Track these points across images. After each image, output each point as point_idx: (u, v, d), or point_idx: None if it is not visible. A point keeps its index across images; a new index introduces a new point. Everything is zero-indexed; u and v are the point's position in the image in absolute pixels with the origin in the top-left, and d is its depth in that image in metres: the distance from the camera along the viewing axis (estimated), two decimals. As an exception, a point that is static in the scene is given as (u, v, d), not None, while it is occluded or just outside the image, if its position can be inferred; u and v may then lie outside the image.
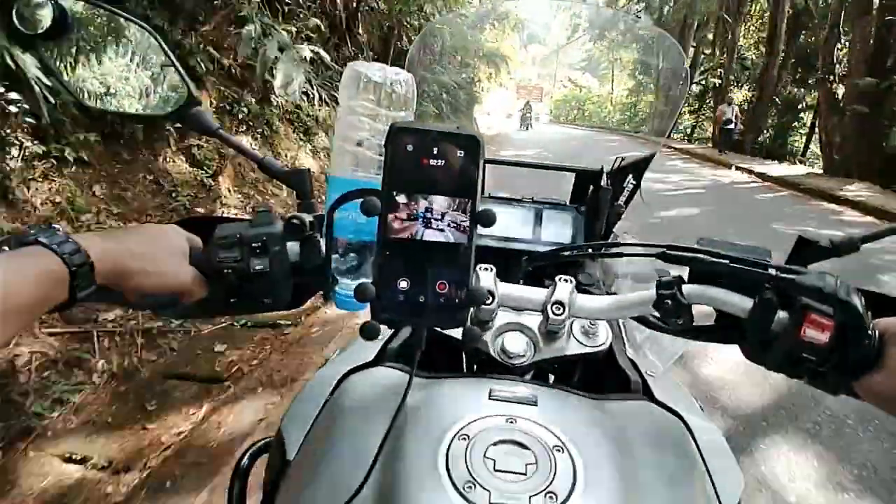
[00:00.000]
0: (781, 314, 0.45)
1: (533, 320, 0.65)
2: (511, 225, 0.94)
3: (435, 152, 0.39)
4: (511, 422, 0.46)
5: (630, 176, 0.90)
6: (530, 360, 0.61)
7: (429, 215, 0.40)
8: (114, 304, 0.52)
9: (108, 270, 0.42)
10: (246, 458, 0.67)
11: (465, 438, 0.44)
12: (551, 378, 0.82)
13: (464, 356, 0.76)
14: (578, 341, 0.64)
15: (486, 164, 1.00)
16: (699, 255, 0.50)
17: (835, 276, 0.44)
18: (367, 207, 0.39)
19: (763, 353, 0.47)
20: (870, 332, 0.42)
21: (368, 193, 0.40)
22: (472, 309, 0.62)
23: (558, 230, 0.94)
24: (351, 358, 0.63)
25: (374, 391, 0.56)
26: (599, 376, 0.69)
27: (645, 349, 0.77)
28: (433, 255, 0.40)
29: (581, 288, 0.83)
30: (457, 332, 0.43)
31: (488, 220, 0.40)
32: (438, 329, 0.48)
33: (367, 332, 0.40)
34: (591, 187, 0.94)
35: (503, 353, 0.61)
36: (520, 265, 0.76)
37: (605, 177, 0.90)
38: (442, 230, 0.40)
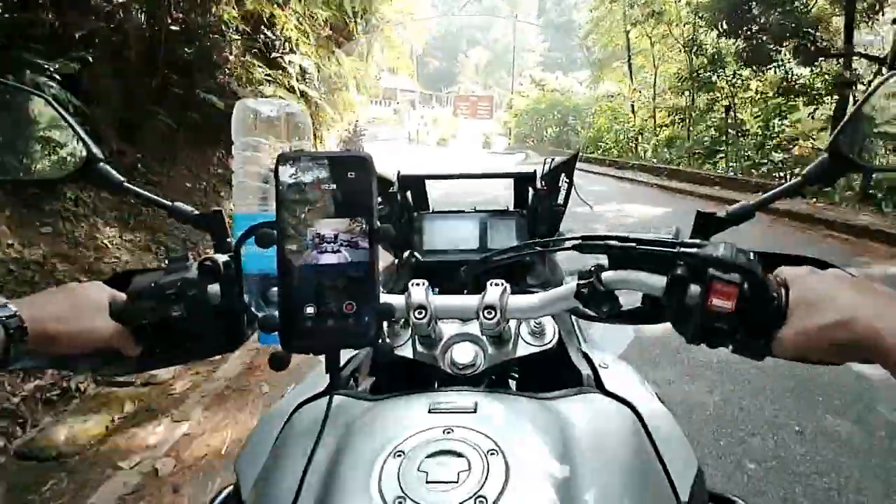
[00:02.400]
0: (693, 288, 0.46)
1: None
2: (458, 237, 0.95)
3: (325, 177, 0.40)
4: (448, 432, 0.46)
5: (563, 175, 0.92)
6: (482, 367, 0.61)
7: (326, 239, 0.40)
8: (52, 367, 0.52)
9: (36, 335, 0.43)
10: None
11: (399, 455, 0.43)
12: (513, 384, 0.82)
13: (420, 374, 0.76)
14: (526, 342, 0.65)
15: (427, 180, 1.01)
16: (611, 242, 0.51)
17: (731, 244, 0.45)
18: (262, 239, 0.39)
19: (683, 327, 0.47)
20: (773, 291, 0.43)
21: (266, 226, 0.40)
22: (412, 326, 0.61)
23: (503, 236, 0.95)
24: (304, 391, 0.63)
25: (321, 420, 0.55)
26: (554, 374, 0.69)
27: (596, 341, 0.78)
28: (337, 278, 0.40)
29: (526, 289, 0.84)
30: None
31: (387, 236, 0.41)
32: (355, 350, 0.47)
33: (275, 364, 0.40)
34: (531, 191, 0.96)
35: (453, 364, 0.61)
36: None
37: (538, 180, 0.92)
38: (339, 251, 0.40)
